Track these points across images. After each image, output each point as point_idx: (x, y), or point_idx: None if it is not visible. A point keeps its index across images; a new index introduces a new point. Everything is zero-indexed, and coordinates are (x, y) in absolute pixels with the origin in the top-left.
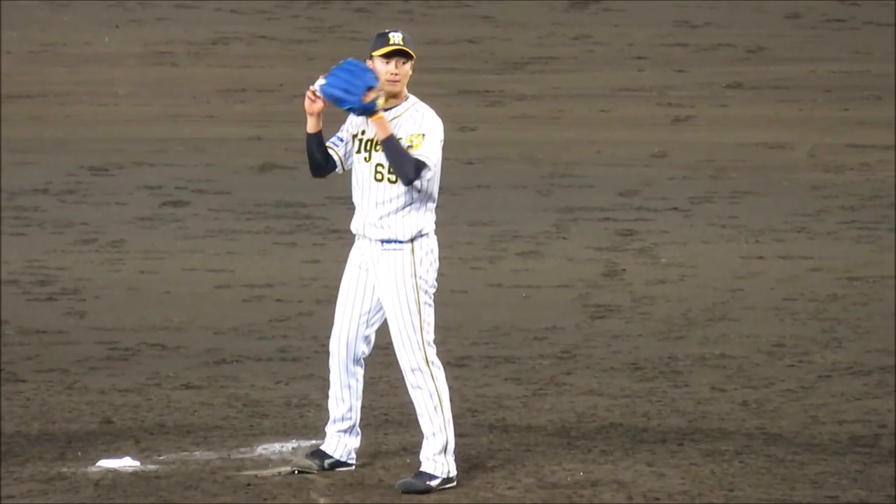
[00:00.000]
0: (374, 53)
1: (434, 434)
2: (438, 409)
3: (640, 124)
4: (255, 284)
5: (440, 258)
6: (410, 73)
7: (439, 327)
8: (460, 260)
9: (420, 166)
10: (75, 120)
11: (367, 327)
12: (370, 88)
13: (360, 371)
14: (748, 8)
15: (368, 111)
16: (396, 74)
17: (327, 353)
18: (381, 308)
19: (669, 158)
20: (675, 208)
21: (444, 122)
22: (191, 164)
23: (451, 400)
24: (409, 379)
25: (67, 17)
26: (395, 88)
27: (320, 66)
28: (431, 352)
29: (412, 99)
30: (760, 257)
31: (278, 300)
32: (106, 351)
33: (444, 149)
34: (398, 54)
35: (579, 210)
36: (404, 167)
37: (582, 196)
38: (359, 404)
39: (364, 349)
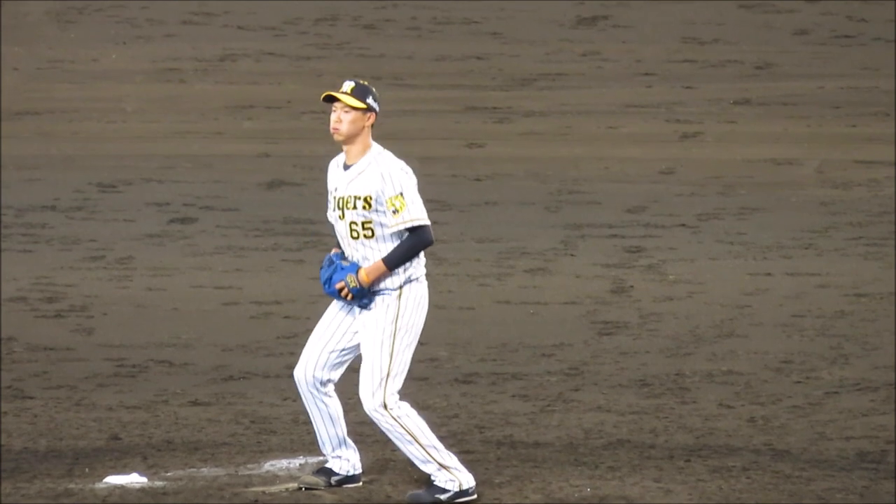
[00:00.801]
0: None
1: (423, 462)
2: (413, 443)
3: (648, 141)
4: (262, 301)
5: (448, 275)
6: (366, 123)
7: (447, 343)
8: (468, 277)
9: (422, 236)
10: (83, 136)
11: (337, 362)
12: (341, 281)
13: (329, 389)
14: (756, 24)
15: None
16: (337, 122)
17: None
18: (358, 350)
19: (677, 175)
20: (683, 225)
21: (454, 138)
22: (199, 180)
23: (456, 417)
24: (374, 418)
25: (75, 33)
26: (336, 137)
27: (328, 82)
28: (392, 398)
29: (375, 149)
30: (768, 274)
31: (286, 317)
32: (114, 368)
33: (453, 166)
34: (338, 101)
35: (587, 227)
36: (415, 255)
37: (590, 213)
38: (341, 420)
39: (331, 376)
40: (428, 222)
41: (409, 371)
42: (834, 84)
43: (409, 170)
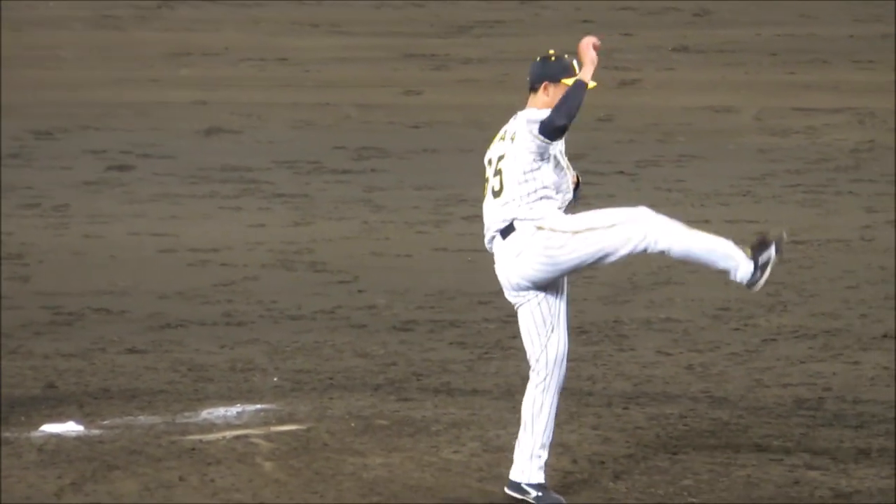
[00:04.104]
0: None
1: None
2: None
3: None
4: (199, 249)
5: (386, 222)
6: None
7: (385, 291)
8: (406, 224)
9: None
10: (19, 84)
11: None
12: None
13: None
14: None
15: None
16: None
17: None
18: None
19: (616, 122)
20: (622, 172)
21: (392, 86)
22: (136, 128)
23: (394, 364)
24: None
25: None
26: None
27: (266, 29)
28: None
29: None
30: (706, 221)
31: (223, 264)
32: (50, 315)
33: (391, 113)
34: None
35: None
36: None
37: None
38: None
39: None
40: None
41: (347, 318)
42: (771, 31)
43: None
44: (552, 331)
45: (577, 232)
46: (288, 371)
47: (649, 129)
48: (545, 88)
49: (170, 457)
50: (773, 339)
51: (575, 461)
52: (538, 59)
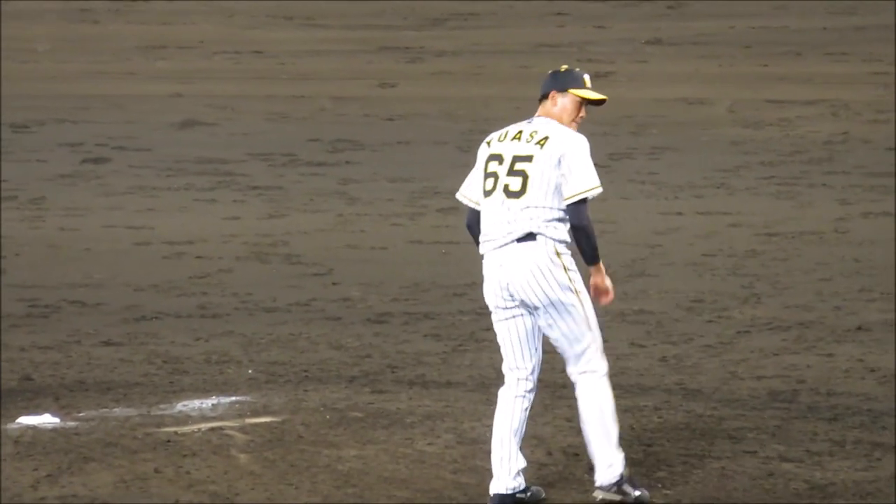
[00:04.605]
0: (579, 94)
1: None
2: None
3: None
4: (175, 241)
5: (361, 215)
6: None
7: (360, 283)
8: (381, 216)
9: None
10: None
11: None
12: None
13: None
14: None
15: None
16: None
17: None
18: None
19: (589, 114)
20: (595, 164)
21: (366, 78)
22: (112, 121)
23: (369, 357)
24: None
25: None
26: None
27: (241, 22)
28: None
29: None
30: (679, 213)
31: (198, 257)
32: (26, 308)
33: (366, 105)
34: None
35: None
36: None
37: None
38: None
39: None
40: (464, 199)
41: (322, 311)
42: (745, 23)
43: (490, 133)
44: (539, 347)
45: (584, 295)
46: (263, 363)
47: (623, 122)
48: (552, 97)
49: (145, 449)
50: (747, 331)
51: (549, 453)
52: (550, 72)
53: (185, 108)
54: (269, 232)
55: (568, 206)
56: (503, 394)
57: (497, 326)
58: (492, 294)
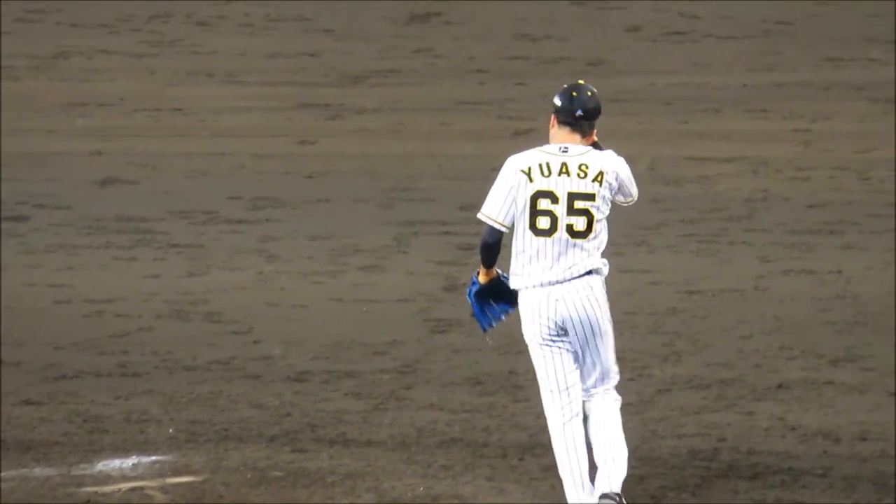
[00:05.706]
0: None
1: None
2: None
3: (481, 137)
4: (95, 299)
5: (281, 272)
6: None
7: (281, 341)
8: (301, 274)
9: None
10: None
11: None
12: (497, 320)
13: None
14: (589, 20)
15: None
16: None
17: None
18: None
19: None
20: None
21: (287, 136)
22: (32, 178)
23: (289, 415)
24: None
25: None
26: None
27: (161, 79)
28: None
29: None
30: None
31: (118, 315)
32: None
33: (286, 163)
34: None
35: (420, 224)
36: (480, 253)
37: (423, 210)
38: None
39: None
40: (489, 220)
41: (242, 369)
42: (665, 81)
43: (510, 162)
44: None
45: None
46: (183, 422)
47: None
48: (580, 124)
49: None
50: (668, 390)
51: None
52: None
53: (105, 165)
54: (189, 290)
55: (627, 198)
56: (562, 422)
57: (540, 353)
58: (539, 326)
